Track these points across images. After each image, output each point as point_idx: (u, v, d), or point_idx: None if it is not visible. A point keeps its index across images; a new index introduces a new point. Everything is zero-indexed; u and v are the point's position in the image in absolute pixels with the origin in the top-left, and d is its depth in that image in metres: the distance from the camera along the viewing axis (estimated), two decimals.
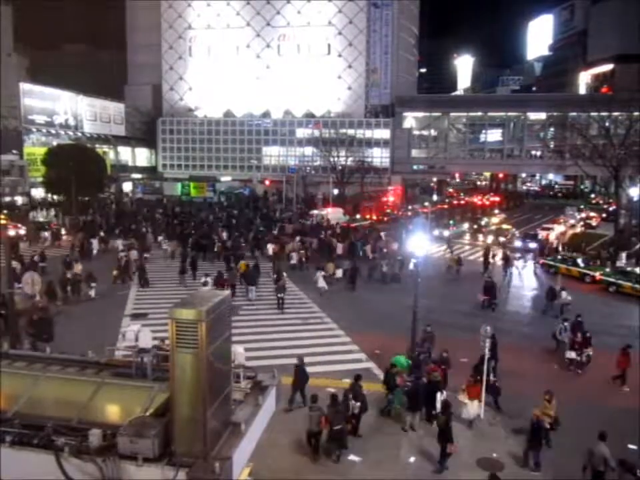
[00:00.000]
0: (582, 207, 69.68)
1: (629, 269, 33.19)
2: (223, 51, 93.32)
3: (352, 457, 13.72)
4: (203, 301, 6.72)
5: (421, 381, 15.74)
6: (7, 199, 60.25)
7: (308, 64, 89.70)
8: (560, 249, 41.93)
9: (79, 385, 8.02)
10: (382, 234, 43.05)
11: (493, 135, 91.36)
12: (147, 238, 40.33)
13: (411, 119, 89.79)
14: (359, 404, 14.72)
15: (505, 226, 52.65)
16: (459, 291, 30.67)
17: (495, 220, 57.85)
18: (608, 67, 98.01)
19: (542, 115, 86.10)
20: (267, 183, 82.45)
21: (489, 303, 26.81)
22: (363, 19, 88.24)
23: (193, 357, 6.43)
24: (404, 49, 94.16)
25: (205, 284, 27.08)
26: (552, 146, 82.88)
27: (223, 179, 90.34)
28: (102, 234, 41.28)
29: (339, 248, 35.84)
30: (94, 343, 12.00)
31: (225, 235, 40.45)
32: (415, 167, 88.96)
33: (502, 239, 45.48)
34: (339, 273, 30.50)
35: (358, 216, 59.33)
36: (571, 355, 19.65)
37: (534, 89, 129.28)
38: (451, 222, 54.91)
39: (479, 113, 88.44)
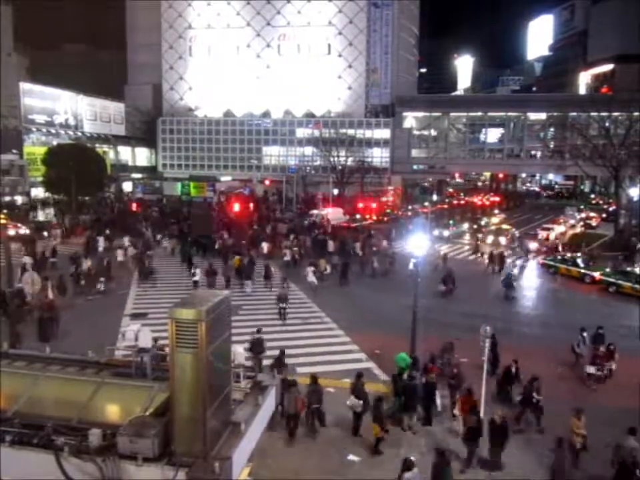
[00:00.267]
0: (582, 207, 69.69)
1: (628, 269, 33.14)
2: (223, 50, 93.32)
3: (352, 457, 13.72)
4: (203, 301, 6.72)
5: (418, 381, 15.73)
6: (7, 198, 60.24)
7: (308, 64, 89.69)
8: (560, 249, 41.94)
9: (79, 384, 8.02)
10: (372, 232, 44.34)
11: (493, 135, 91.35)
12: (148, 236, 41.42)
13: (411, 119, 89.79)
14: (361, 402, 14.70)
15: (504, 226, 52.66)
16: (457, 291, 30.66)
17: (494, 220, 57.87)
18: (608, 67, 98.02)
19: (542, 115, 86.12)
20: (267, 182, 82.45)
21: (449, 291, 28.75)
22: (363, 18, 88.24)
23: (193, 357, 6.43)
24: (404, 49, 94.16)
25: (193, 274, 29.28)
26: (552, 146, 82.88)
27: (223, 178, 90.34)
28: (107, 232, 42.15)
29: (331, 246, 36.95)
30: (94, 342, 12.00)
31: (225, 234, 41.26)
32: (414, 167, 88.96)
33: (492, 240, 45.83)
34: (328, 268, 31.85)
35: (358, 216, 59.34)
36: (590, 369, 18.18)
37: (534, 89, 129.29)
38: (451, 222, 54.92)
39: (479, 113, 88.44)
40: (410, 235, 30.62)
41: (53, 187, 57.20)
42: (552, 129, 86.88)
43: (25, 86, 72.82)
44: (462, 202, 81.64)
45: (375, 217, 61.09)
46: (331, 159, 77.29)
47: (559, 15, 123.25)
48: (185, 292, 26.68)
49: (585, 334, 19.75)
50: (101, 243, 37.93)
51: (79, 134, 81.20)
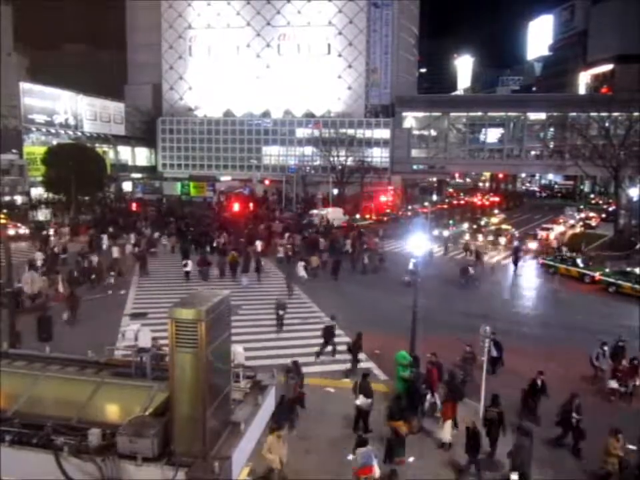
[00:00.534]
0: (581, 207, 69.69)
1: (628, 269, 33.13)
2: (223, 50, 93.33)
3: (352, 457, 13.71)
4: (203, 301, 6.72)
5: (419, 377, 15.79)
6: (7, 198, 60.26)
7: (308, 64, 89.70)
8: (552, 249, 41.96)
9: (79, 384, 8.01)
10: (362, 231, 45.91)
11: (493, 135, 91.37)
12: (150, 235, 42.79)
13: (410, 119, 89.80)
14: (370, 400, 14.78)
15: (504, 226, 52.68)
16: (454, 292, 30.70)
17: (494, 220, 57.88)
18: (608, 67, 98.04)
19: (542, 115, 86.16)
20: (267, 182, 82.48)
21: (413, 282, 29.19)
22: (363, 18, 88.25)
23: (193, 357, 6.43)
24: (404, 49, 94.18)
25: (185, 265, 31.47)
26: (552, 146, 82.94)
27: (223, 178, 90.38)
28: (111, 230, 43.42)
29: (322, 243, 38.63)
30: (93, 342, 12.00)
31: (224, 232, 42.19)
32: (414, 167, 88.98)
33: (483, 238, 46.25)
34: (317, 263, 33.34)
35: (358, 216, 59.35)
36: (613, 384, 17.02)
37: (534, 89, 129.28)
38: (451, 222, 54.93)
39: (479, 113, 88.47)
40: (408, 234, 30.84)
41: (53, 186, 57.21)
42: (552, 129, 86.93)
43: (24, 86, 72.81)
44: (462, 202, 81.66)
45: (374, 217, 61.09)
46: (331, 159, 77.29)
47: (558, 15, 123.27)
48: (185, 288, 28.84)
49: (605, 347, 18.36)
50: (105, 241, 39.13)
51: (79, 134, 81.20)
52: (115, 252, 34.50)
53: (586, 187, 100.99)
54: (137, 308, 25.85)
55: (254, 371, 9.10)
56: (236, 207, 56.61)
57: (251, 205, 63.49)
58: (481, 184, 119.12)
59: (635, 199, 51.35)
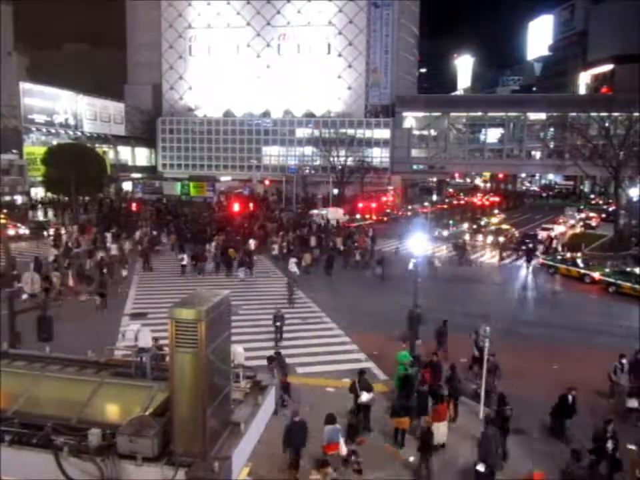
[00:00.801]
0: (582, 207, 69.65)
1: (628, 269, 33.11)
2: (223, 50, 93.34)
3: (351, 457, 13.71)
4: (203, 301, 6.72)
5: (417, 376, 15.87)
6: (7, 198, 60.24)
7: (308, 63, 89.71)
8: (559, 248, 41.97)
9: (79, 384, 8.01)
10: (352, 230, 47.64)
11: (493, 135, 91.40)
12: (153, 233, 43.95)
13: (410, 119, 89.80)
14: (372, 395, 14.98)
15: (504, 226, 52.65)
16: (453, 291, 30.70)
17: (494, 220, 57.84)
18: (608, 68, 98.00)
19: (542, 115, 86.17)
20: (267, 182, 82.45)
21: (382, 274, 32.24)
22: (363, 18, 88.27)
23: (193, 357, 6.42)
24: (404, 49, 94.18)
25: (181, 259, 33.11)
26: (552, 146, 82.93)
27: (223, 178, 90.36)
28: (114, 229, 44.19)
29: (312, 241, 40.04)
30: (94, 342, 11.99)
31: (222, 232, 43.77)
32: (414, 167, 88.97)
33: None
34: (310, 260, 34.63)
35: (358, 216, 59.33)
36: (633, 403, 15.39)
37: (534, 89, 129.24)
38: (451, 222, 54.88)
39: (479, 113, 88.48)
40: (408, 234, 31.11)
41: (53, 186, 57.20)
42: (552, 129, 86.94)
43: (24, 86, 72.80)
44: (462, 202, 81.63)
45: (374, 217, 61.06)
46: (331, 159, 77.30)
47: (558, 15, 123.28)
48: (182, 281, 30.70)
49: (624, 361, 16.79)
50: (109, 239, 40.08)
51: (79, 134, 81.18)
52: (114, 249, 35.83)
53: (586, 187, 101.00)
54: (141, 298, 27.38)
55: (254, 371, 9.10)
56: (236, 207, 56.66)
57: (251, 205, 63.48)
58: (482, 184, 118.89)
59: (635, 199, 51.36)
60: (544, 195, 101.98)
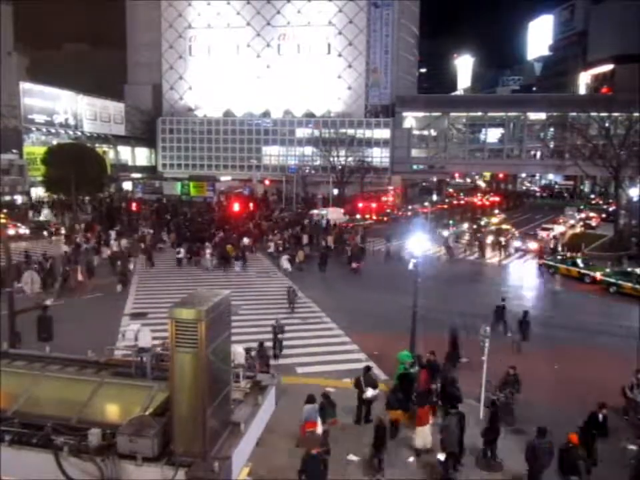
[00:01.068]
0: (582, 207, 69.63)
1: (629, 269, 33.02)
2: (223, 50, 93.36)
3: (351, 457, 13.72)
4: (203, 301, 6.72)
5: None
6: (7, 198, 60.25)
7: (308, 63, 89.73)
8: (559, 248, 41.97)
9: (79, 384, 8.01)
10: (343, 229, 49.80)
11: (493, 135, 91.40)
12: (156, 232, 45.48)
13: (410, 119, 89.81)
14: (377, 391, 15.32)
15: (504, 226, 52.65)
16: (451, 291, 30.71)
17: (494, 220, 57.84)
18: (608, 68, 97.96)
19: (542, 115, 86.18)
20: (267, 182, 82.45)
21: (357, 268, 34.68)
22: (363, 18, 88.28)
23: (193, 357, 6.42)
24: (404, 49, 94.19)
25: (178, 252, 35.91)
26: (552, 146, 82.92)
27: (223, 178, 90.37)
28: (117, 228, 45.76)
29: (304, 239, 42.03)
30: (94, 342, 11.98)
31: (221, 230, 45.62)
32: (414, 167, 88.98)
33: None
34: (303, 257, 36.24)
35: (358, 216, 59.32)
36: None
37: (534, 89, 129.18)
38: (451, 222, 54.88)
39: (479, 113, 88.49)
40: (408, 234, 31.24)
41: (53, 186, 57.24)
42: (552, 129, 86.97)
43: (24, 85, 72.82)
44: (462, 202, 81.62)
45: (374, 217, 61.04)
46: (331, 159, 77.30)
47: (558, 15, 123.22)
48: (184, 278, 32.04)
49: None
50: (113, 237, 41.51)
51: (79, 133, 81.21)
52: (115, 246, 37.89)
53: (586, 187, 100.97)
54: (144, 290, 29.63)
55: (254, 371, 9.10)
56: (236, 207, 56.80)
57: (251, 205, 63.54)
58: (484, 185, 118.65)
59: (635, 199, 51.34)
60: (544, 194, 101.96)
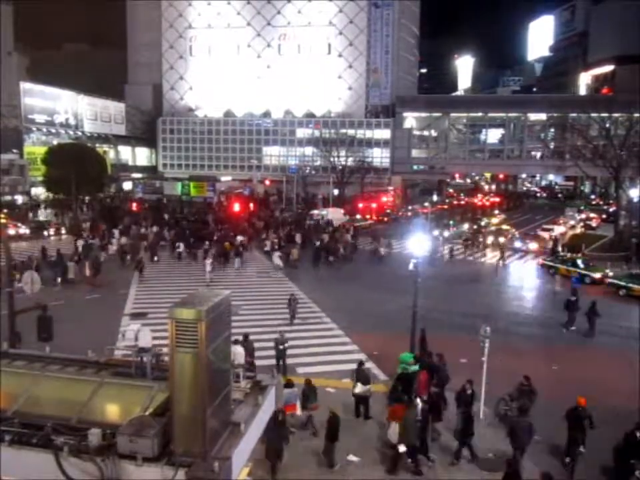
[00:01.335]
0: (582, 207, 69.63)
1: (638, 271, 32.56)
2: (224, 50, 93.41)
3: (351, 457, 13.72)
4: (203, 301, 6.71)
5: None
6: (7, 198, 60.29)
7: (308, 64, 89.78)
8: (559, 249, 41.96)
9: (79, 384, 8.00)
10: (334, 228, 50.74)
11: (493, 136, 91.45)
12: (159, 231, 47.00)
13: (411, 119, 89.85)
14: (368, 387, 15.35)
15: (504, 226, 52.67)
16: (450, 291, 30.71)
17: (494, 220, 57.84)
18: (608, 68, 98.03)
19: (542, 116, 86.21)
20: (267, 182, 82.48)
21: (322, 263, 36.85)
22: (363, 18, 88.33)
23: (193, 357, 6.41)
24: (404, 49, 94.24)
25: (177, 247, 38.70)
26: (552, 147, 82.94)
27: (223, 178, 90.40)
28: (121, 226, 47.05)
29: (297, 237, 43.82)
30: (94, 342, 11.97)
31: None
32: (415, 167, 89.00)
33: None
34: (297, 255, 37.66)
35: (358, 216, 59.33)
36: None
37: (534, 89, 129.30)
38: (451, 222, 54.88)
39: (479, 114, 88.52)
40: (408, 234, 31.44)
41: (53, 186, 57.29)
42: (552, 130, 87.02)
43: (25, 85, 72.91)
44: (462, 202, 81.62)
45: (375, 217, 61.04)
46: (331, 159, 77.34)
47: (559, 15, 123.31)
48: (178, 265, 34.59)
49: None
50: (117, 235, 43.07)
51: (79, 133, 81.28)
52: (124, 240, 40.22)
53: (586, 188, 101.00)
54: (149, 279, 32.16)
55: (254, 371, 9.10)
56: (236, 207, 57.05)
57: (251, 205, 63.62)
58: (486, 185, 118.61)
59: (636, 199, 51.30)
60: (544, 195, 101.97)
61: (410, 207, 69.69)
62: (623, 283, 30.54)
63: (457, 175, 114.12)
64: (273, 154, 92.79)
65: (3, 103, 70.88)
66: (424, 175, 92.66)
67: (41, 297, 18.01)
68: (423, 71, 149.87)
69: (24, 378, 8.08)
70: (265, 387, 8.54)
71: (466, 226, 53.72)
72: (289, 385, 13.96)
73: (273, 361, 18.19)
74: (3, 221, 41.22)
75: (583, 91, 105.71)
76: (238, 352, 14.03)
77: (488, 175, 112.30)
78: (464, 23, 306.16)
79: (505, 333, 22.08)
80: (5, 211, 49.42)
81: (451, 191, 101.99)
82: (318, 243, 40.06)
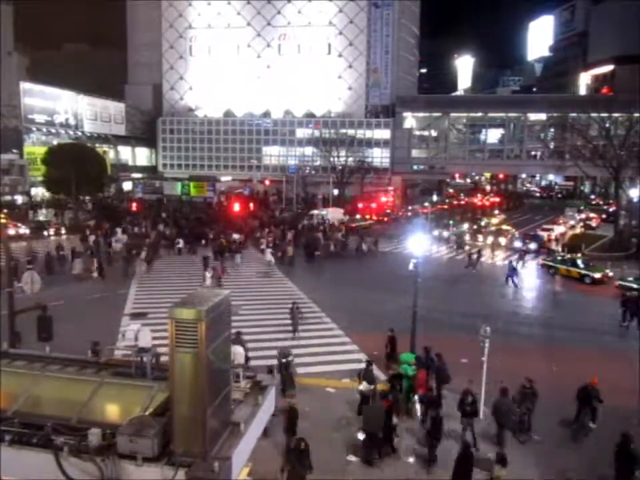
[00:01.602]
0: (582, 207, 69.63)
1: None
2: (224, 50, 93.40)
3: (351, 457, 13.73)
4: (203, 301, 6.71)
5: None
6: (7, 198, 60.27)
7: (308, 64, 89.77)
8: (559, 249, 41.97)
9: (79, 384, 8.00)
10: (326, 227, 52.24)
11: (493, 136, 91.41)
12: (162, 230, 48.53)
13: (411, 119, 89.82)
14: (372, 386, 15.46)
15: (504, 226, 52.66)
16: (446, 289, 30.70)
17: (494, 220, 57.84)
18: (608, 68, 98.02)
19: (542, 116, 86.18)
20: (267, 182, 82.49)
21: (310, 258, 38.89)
22: (363, 18, 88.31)
23: (193, 357, 6.41)
24: (404, 49, 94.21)
25: (177, 243, 41.25)
26: (552, 147, 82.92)
27: (223, 178, 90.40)
28: (123, 225, 48.02)
29: (289, 235, 45.39)
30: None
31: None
32: (414, 167, 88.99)
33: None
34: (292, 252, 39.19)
35: (358, 216, 59.34)
36: None
37: (534, 89, 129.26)
38: (451, 222, 54.89)
39: (479, 114, 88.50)
40: (408, 234, 31.58)
41: (53, 186, 57.29)
42: (552, 130, 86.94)
43: (25, 85, 72.87)
44: (462, 202, 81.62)
45: (375, 217, 61.04)
46: (331, 159, 77.32)
47: (559, 15, 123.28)
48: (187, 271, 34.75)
49: None
50: (119, 233, 43.88)
51: (79, 133, 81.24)
52: (124, 238, 41.75)
53: (586, 188, 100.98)
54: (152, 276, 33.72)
55: (254, 371, 9.10)
56: (236, 207, 57.27)
57: (251, 205, 63.67)
58: (488, 185, 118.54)
59: (635, 199, 51.30)
60: (544, 195, 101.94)
61: (410, 207, 69.70)
62: (636, 286, 29.15)
63: (456, 175, 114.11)
64: (272, 154, 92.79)
65: (3, 103, 70.86)
66: (424, 175, 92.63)
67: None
68: (423, 70, 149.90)
69: (24, 378, 8.08)
70: (265, 387, 8.54)
71: (466, 226, 53.71)
72: (269, 372, 14.18)
73: (271, 361, 18.17)
74: (3, 221, 41.22)
75: (582, 91, 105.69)
76: (238, 352, 14.04)
77: (488, 174, 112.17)
78: (464, 23, 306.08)
79: (505, 332, 22.09)
80: (5, 211, 49.40)
81: (450, 190, 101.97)
82: (304, 240, 42.55)
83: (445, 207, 73.65)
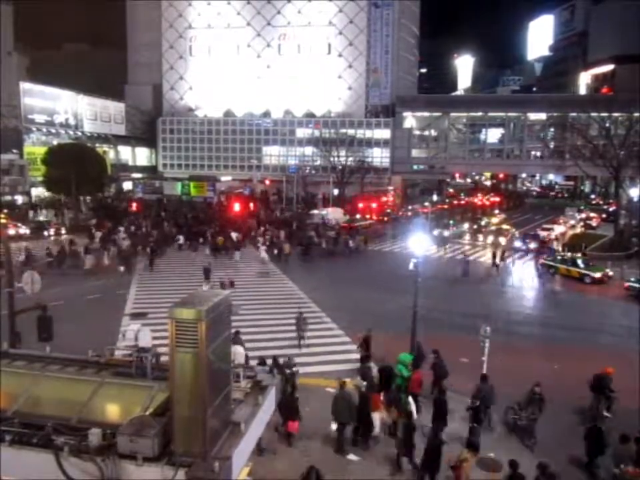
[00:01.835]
0: (582, 207, 69.64)
1: None
2: (224, 50, 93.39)
3: (351, 457, 13.73)
4: (203, 301, 6.71)
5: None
6: (7, 198, 60.26)
7: (308, 63, 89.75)
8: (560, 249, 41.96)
9: (79, 384, 8.00)
10: (319, 225, 53.35)
11: (493, 135, 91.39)
12: (166, 229, 49.79)
13: (411, 119, 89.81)
14: (365, 383, 15.49)
15: (505, 226, 52.69)
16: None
17: (495, 220, 57.86)
18: (608, 68, 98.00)
19: (542, 116, 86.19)
20: (267, 182, 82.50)
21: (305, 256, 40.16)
22: (363, 18, 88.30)
23: (193, 357, 6.41)
24: (404, 49, 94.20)
25: (177, 240, 43.51)
26: (552, 146, 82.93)
27: (223, 178, 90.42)
28: (125, 224, 49.39)
29: (282, 235, 46.32)
30: (94, 342, 11.96)
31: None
32: (415, 167, 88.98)
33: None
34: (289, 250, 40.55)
35: (358, 216, 59.35)
36: None
37: (534, 89, 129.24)
38: (451, 222, 54.91)
39: (479, 113, 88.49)
40: (408, 234, 31.65)
41: (53, 186, 57.29)
42: (552, 130, 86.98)
43: (25, 85, 72.82)
44: (462, 202, 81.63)
45: (375, 217, 61.05)
46: (331, 159, 77.32)
47: (559, 15, 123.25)
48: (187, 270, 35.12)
49: None
50: (122, 232, 45.06)
51: (79, 133, 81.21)
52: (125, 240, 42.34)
53: (586, 188, 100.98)
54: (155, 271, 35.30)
55: (254, 371, 9.10)
56: (236, 206, 57.37)
57: (252, 205, 63.72)
58: (489, 183, 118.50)
59: (636, 199, 51.35)
60: (544, 194, 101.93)
61: (410, 207, 69.72)
62: None
63: (457, 175, 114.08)
64: (272, 154, 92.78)
65: (3, 103, 70.82)
66: (424, 175, 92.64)
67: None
68: (423, 70, 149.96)
69: (24, 378, 8.07)
70: (265, 387, 8.54)
71: (466, 225, 53.75)
72: (261, 363, 14.32)
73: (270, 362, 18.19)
74: (3, 221, 41.25)
75: (582, 90, 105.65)
76: (238, 352, 14.04)
77: (488, 174, 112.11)
78: (464, 22, 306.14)
79: (505, 332, 22.09)
80: (5, 211, 49.41)
81: (451, 190, 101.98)
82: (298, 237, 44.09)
83: (445, 206, 73.67)
